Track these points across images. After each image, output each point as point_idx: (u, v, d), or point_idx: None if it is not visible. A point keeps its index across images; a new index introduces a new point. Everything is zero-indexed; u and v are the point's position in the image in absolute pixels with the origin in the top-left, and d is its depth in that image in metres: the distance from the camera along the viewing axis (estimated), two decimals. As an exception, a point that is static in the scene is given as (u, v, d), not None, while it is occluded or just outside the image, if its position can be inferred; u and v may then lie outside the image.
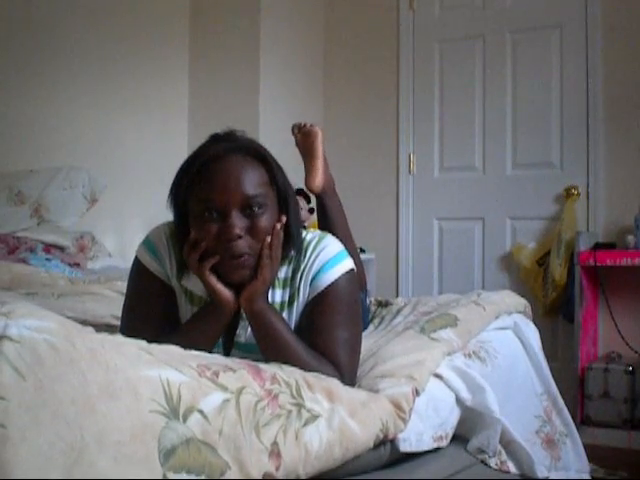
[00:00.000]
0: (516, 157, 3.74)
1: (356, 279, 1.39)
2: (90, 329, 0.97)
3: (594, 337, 3.40)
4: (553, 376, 1.92)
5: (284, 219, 1.29)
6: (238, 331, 1.35)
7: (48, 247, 2.76)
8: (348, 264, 1.35)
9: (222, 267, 1.26)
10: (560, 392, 1.92)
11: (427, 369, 1.42)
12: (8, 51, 3.09)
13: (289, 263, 1.35)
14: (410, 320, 1.82)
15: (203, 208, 1.24)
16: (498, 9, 3.79)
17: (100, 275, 2.62)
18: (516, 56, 3.74)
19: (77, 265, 2.79)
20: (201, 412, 0.94)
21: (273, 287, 1.35)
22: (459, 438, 1.52)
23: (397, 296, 3.77)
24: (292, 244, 1.32)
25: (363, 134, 4.14)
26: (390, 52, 4.06)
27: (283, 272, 1.35)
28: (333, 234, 2.03)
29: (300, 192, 3.88)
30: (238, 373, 1.04)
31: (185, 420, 0.92)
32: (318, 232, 1.40)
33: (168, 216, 1.52)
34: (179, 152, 3.93)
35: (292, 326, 1.35)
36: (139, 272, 1.37)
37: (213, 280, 1.26)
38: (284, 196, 1.32)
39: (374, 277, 3.98)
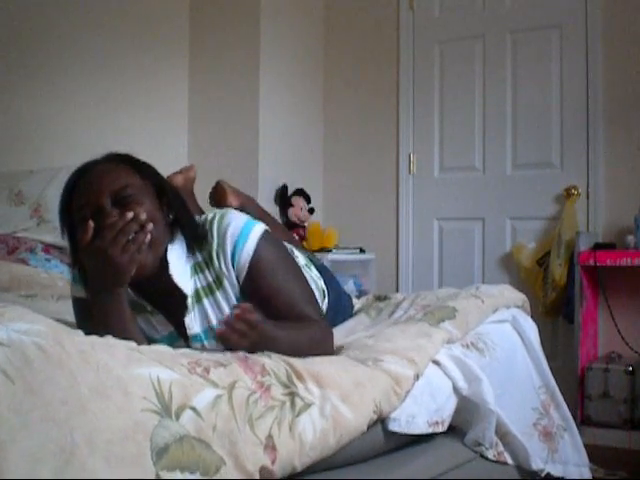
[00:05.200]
0: (516, 157, 3.73)
1: (272, 235, 1.41)
2: (79, 332, 0.97)
3: (594, 337, 3.39)
4: (553, 376, 1.92)
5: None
6: (187, 323, 1.36)
7: (48, 247, 2.76)
8: (259, 228, 1.38)
9: None
10: (560, 392, 1.91)
11: (427, 354, 1.43)
12: (8, 51, 3.09)
13: (201, 246, 1.37)
14: (410, 314, 1.82)
15: (81, 215, 1.30)
16: (498, 9, 3.79)
17: (99, 275, 2.61)
18: (516, 56, 3.74)
19: (77, 265, 2.78)
20: (194, 409, 0.94)
21: (202, 269, 1.37)
22: (456, 431, 1.53)
23: (397, 296, 3.76)
24: (189, 233, 1.36)
25: (363, 134, 4.14)
26: (390, 52, 4.06)
27: (199, 256, 1.37)
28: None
29: (300, 192, 3.88)
30: (229, 368, 1.05)
31: (178, 418, 0.92)
32: (217, 210, 1.42)
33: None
34: (179, 152, 3.93)
35: (233, 300, 1.37)
36: (77, 306, 1.44)
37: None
38: (161, 188, 1.37)
39: (374, 277, 3.98)
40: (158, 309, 1.39)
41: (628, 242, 3.19)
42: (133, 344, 1.01)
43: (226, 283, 1.37)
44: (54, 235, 2.84)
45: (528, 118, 3.69)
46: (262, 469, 0.98)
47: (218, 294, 1.37)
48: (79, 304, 1.42)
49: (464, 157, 3.87)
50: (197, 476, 0.90)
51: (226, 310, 1.36)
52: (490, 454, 1.55)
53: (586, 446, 1.94)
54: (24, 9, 3.15)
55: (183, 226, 1.37)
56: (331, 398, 1.13)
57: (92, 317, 1.30)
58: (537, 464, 1.67)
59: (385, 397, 1.24)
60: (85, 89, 3.40)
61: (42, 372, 0.84)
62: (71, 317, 1.75)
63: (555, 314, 3.47)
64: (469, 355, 1.58)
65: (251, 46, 3.82)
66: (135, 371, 0.92)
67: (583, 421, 3.04)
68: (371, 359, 1.32)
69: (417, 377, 1.35)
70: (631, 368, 3.02)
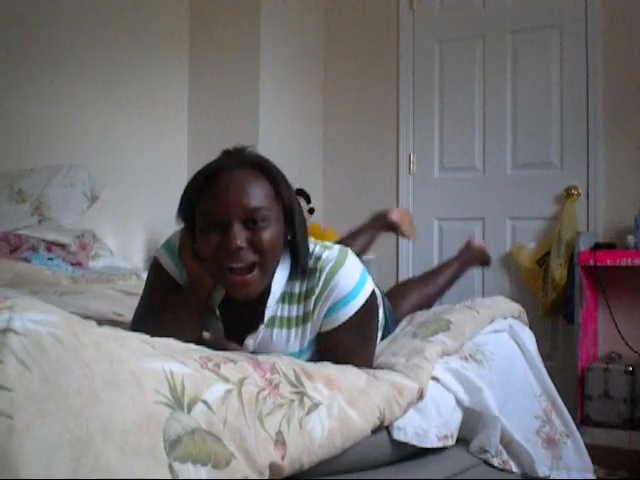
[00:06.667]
0: (516, 157, 3.74)
1: (374, 300, 1.38)
2: (93, 323, 0.97)
3: (594, 337, 3.40)
4: (553, 376, 1.92)
5: None
6: (246, 342, 1.34)
7: (50, 245, 2.75)
8: (364, 294, 1.34)
9: (226, 284, 1.27)
10: (560, 392, 1.91)
11: (424, 372, 1.42)
12: (9, 51, 3.09)
13: (303, 279, 1.33)
14: (407, 330, 1.81)
15: (206, 221, 1.25)
16: (498, 9, 3.80)
17: (102, 274, 2.61)
18: (516, 56, 3.75)
19: (79, 264, 2.78)
20: (205, 402, 0.95)
21: (291, 301, 1.34)
22: (461, 440, 1.53)
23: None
24: (299, 260, 1.31)
25: (363, 134, 4.14)
26: (390, 52, 4.07)
27: (297, 287, 1.34)
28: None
29: (300, 192, 3.88)
30: (239, 364, 1.06)
31: (190, 411, 0.93)
32: (335, 251, 1.35)
33: (168, 214, 1.52)
34: (179, 151, 3.94)
35: (305, 341, 1.35)
36: (155, 269, 1.40)
37: (193, 261, 1.29)
38: (290, 211, 1.31)
39: (374, 277, 3.97)
40: (222, 317, 1.36)
41: (628, 242, 3.19)
42: (146, 336, 1.02)
43: (309, 326, 1.34)
44: (56, 233, 2.85)
45: (528, 118, 3.70)
46: (272, 465, 0.99)
47: (293, 330, 1.34)
48: (160, 277, 1.38)
49: (464, 157, 3.87)
50: (208, 468, 0.90)
51: (291, 345, 1.34)
52: (495, 462, 1.55)
53: (586, 446, 1.94)
54: (24, 10, 3.15)
55: (295, 252, 1.32)
56: (339, 400, 1.15)
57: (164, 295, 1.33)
58: (543, 471, 1.67)
59: (388, 405, 1.25)
60: (85, 88, 3.40)
61: (58, 362, 0.84)
62: (74, 308, 1.76)
63: (555, 314, 3.48)
64: (467, 367, 1.57)
65: (251, 46, 3.83)
66: (148, 364, 0.93)
67: (583, 421, 3.05)
68: (377, 372, 1.34)
69: (421, 392, 1.35)
70: (631, 368, 3.02)
